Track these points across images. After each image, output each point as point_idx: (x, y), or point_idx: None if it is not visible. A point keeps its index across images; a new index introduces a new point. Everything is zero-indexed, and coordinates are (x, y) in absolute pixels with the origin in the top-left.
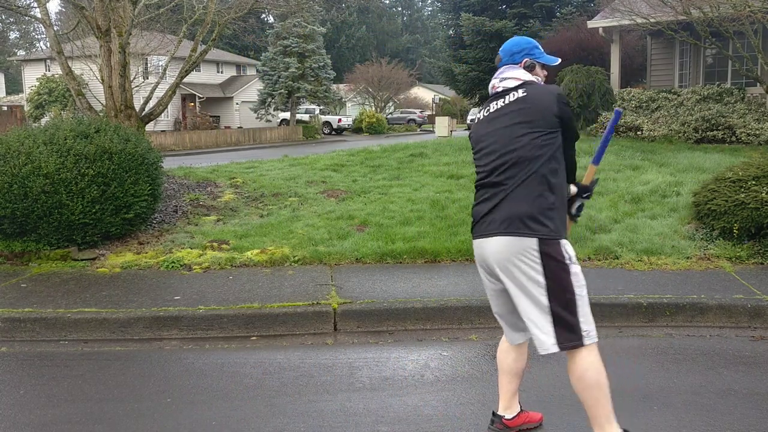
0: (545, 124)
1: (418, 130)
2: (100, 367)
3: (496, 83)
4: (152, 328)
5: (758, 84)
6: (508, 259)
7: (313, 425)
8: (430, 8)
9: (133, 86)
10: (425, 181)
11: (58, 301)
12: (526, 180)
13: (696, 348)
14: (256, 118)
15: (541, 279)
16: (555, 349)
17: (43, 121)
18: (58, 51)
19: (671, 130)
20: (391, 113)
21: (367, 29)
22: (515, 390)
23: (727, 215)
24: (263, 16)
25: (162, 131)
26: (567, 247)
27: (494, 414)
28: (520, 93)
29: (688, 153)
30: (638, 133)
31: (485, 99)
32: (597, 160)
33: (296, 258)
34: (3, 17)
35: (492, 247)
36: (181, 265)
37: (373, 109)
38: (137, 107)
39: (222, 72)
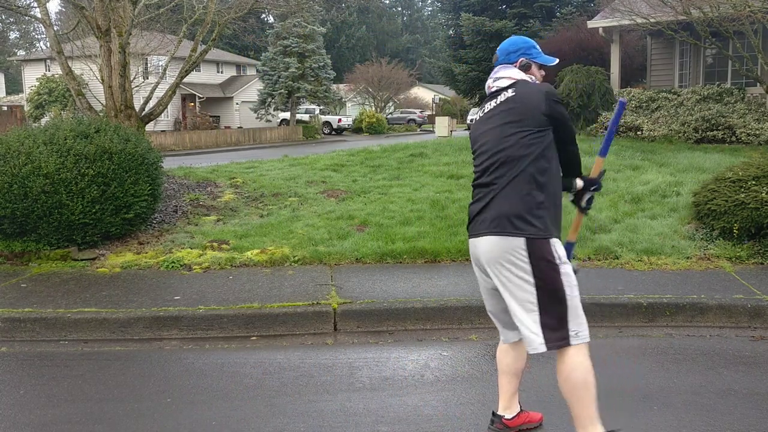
0: (534, 122)
1: (418, 130)
2: (100, 367)
3: (490, 83)
4: (152, 328)
5: (758, 84)
6: (497, 258)
7: (313, 425)
8: (430, 8)
9: (133, 86)
10: (425, 181)
11: (58, 301)
12: (514, 179)
13: (696, 348)
14: (256, 118)
15: (530, 278)
16: (543, 348)
17: (43, 121)
18: (58, 51)
19: (671, 130)
20: (391, 113)
21: (367, 29)
22: (515, 390)
23: (727, 215)
24: (263, 16)
25: (162, 131)
26: (557, 246)
27: (494, 414)
28: (510, 92)
29: (688, 153)
30: (638, 133)
31: (484, 99)
32: (604, 152)
33: (296, 258)
34: (3, 17)
35: (483, 247)
36: (181, 265)
37: (373, 109)
38: (137, 107)
39: (222, 72)
